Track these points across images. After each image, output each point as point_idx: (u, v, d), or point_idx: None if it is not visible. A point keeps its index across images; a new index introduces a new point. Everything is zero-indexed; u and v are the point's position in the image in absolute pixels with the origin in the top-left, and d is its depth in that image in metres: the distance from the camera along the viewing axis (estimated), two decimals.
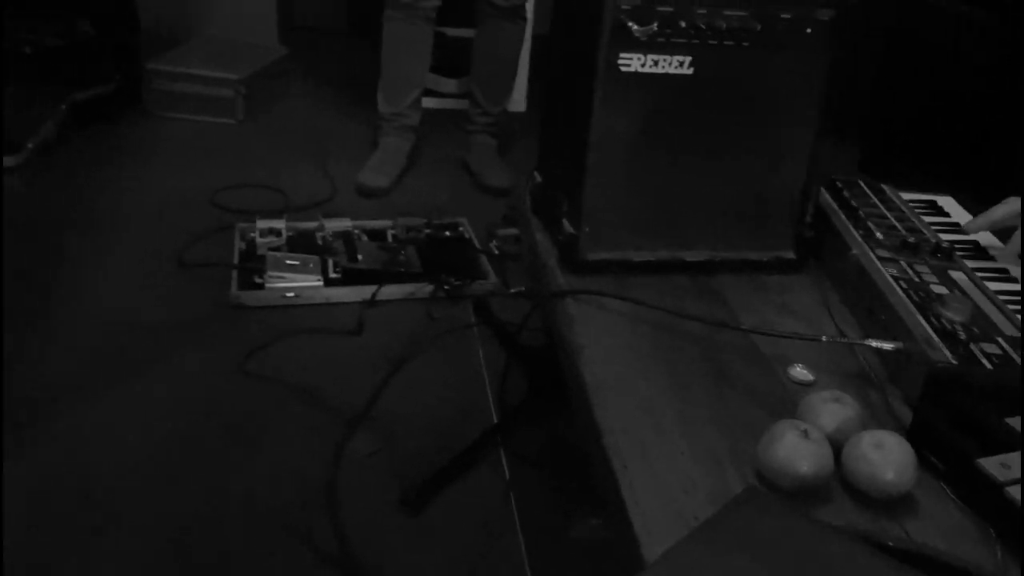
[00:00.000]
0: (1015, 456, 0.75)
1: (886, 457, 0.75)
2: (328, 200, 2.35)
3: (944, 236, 1.15)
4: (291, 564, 1.26)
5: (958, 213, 1.27)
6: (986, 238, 1.20)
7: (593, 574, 1.26)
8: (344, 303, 1.89)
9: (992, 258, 1.15)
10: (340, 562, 1.26)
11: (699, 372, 0.94)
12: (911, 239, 1.11)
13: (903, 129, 2.05)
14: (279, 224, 2.09)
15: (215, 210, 2.23)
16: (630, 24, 0.99)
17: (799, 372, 0.95)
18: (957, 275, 1.04)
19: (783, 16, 1.04)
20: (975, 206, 1.25)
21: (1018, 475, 0.74)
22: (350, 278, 1.95)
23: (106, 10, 2.75)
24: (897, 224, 1.17)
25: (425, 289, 1.95)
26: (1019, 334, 0.92)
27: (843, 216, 1.18)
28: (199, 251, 2.04)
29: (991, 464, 0.75)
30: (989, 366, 0.86)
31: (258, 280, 1.90)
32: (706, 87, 1.05)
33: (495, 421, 1.57)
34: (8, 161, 2.28)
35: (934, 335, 0.90)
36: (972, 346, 0.89)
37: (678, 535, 0.70)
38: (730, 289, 1.11)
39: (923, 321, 0.92)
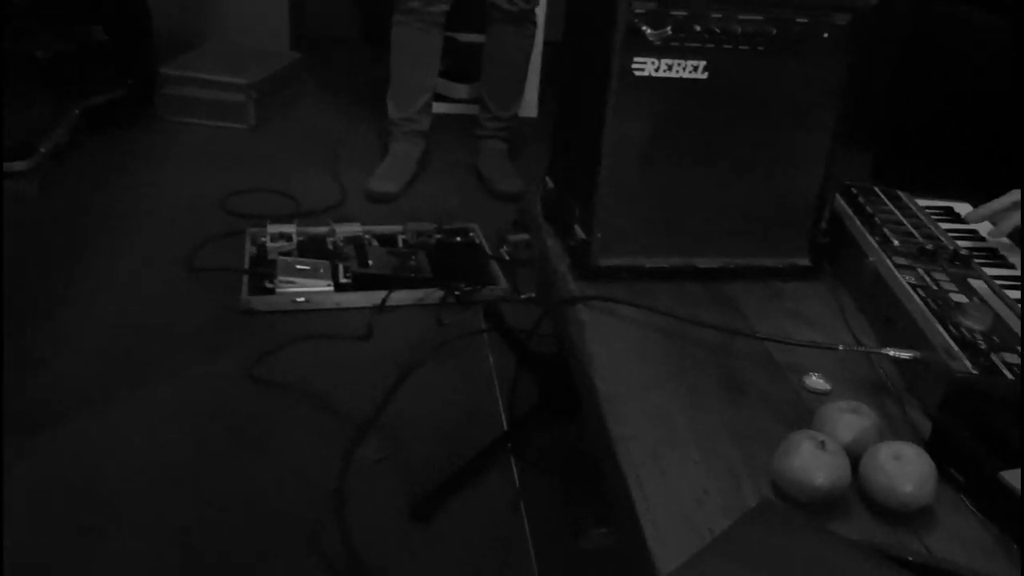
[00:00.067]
0: None
1: (905, 469, 0.73)
2: (339, 205, 2.35)
3: (962, 243, 1.13)
4: (298, 570, 1.25)
5: None
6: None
7: None
8: (354, 308, 1.89)
9: (1012, 266, 1.13)
10: (347, 569, 1.25)
11: (712, 380, 0.93)
12: (928, 246, 1.09)
13: (918, 135, 2.03)
14: (290, 229, 2.09)
15: (226, 215, 2.23)
16: (644, 28, 0.98)
17: (815, 381, 0.93)
18: (976, 283, 1.02)
19: (799, 20, 1.03)
20: None
21: None
22: (360, 283, 1.94)
23: (119, 16, 2.76)
24: (914, 231, 1.15)
25: (435, 295, 1.94)
26: None
27: (859, 223, 1.16)
28: (210, 255, 2.04)
29: (1013, 477, 0.73)
30: (1010, 376, 0.84)
31: (268, 285, 1.89)
32: (721, 92, 1.03)
33: (505, 428, 1.55)
34: (20, 165, 2.29)
35: (954, 344, 0.88)
36: (993, 356, 0.87)
37: (691, 547, 0.68)
38: (744, 296, 1.10)
39: (942, 330, 0.91)
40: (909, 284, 1.00)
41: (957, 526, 0.75)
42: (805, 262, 1.15)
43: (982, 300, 0.98)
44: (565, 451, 1.49)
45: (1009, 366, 0.85)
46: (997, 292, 1.01)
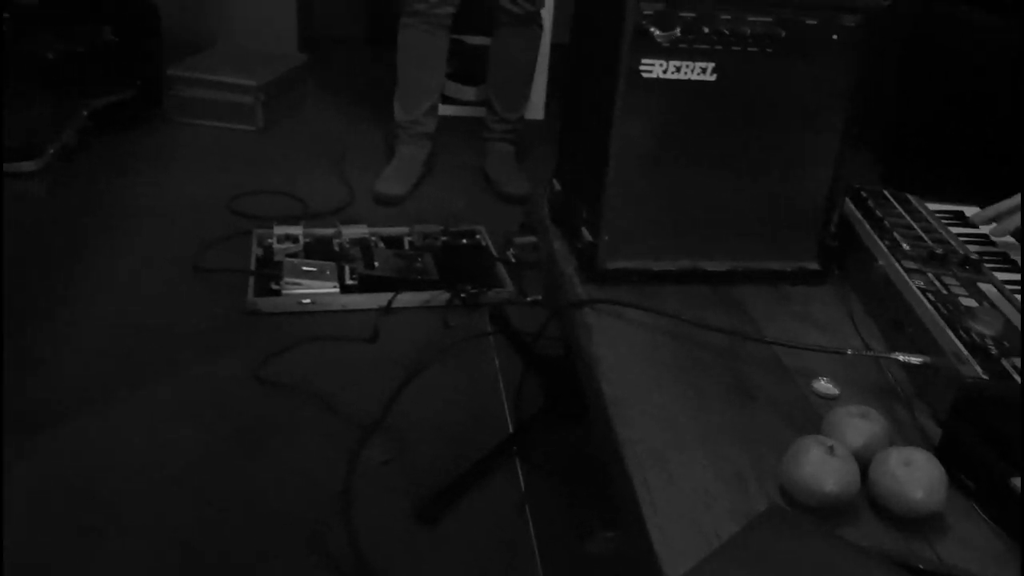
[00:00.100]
0: None
1: (915, 475, 0.73)
2: (345, 207, 2.35)
3: (972, 247, 1.12)
4: (302, 572, 1.25)
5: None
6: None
7: None
8: (360, 310, 1.88)
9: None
10: (353, 571, 1.25)
11: (720, 384, 0.92)
12: (938, 250, 1.09)
13: (926, 138, 2.02)
14: (296, 230, 2.09)
15: (233, 216, 2.23)
16: (652, 30, 0.97)
17: (823, 386, 0.92)
18: (986, 288, 1.01)
19: (809, 22, 1.02)
20: None
21: None
22: (367, 285, 1.94)
23: (129, 17, 2.77)
24: (923, 235, 1.14)
25: (441, 297, 1.93)
26: None
27: (868, 226, 1.16)
28: (216, 257, 2.04)
29: None
30: (1021, 381, 0.83)
31: (275, 286, 1.89)
32: (729, 94, 1.03)
33: (511, 431, 1.55)
34: (28, 166, 2.30)
35: (964, 349, 0.87)
36: (1003, 361, 0.86)
37: (698, 552, 0.68)
38: (752, 300, 1.09)
39: (952, 335, 0.90)
40: (919, 288, 0.99)
41: (968, 533, 0.74)
42: (814, 266, 1.14)
43: (992, 305, 0.97)
44: (571, 454, 1.48)
45: (1020, 371, 0.85)
46: (1008, 296, 1.00)
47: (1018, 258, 1.14)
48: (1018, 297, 1.00)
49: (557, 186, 1.26)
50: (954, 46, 1.89)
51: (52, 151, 2.36)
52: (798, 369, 0.95)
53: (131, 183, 2.40)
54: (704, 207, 1.09)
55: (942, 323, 0.92)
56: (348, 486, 1.39)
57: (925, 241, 1.12)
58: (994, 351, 0.87)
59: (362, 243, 2.09)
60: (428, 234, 2.16)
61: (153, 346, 1.73)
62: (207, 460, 1.44)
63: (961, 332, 0.90)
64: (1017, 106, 1.69)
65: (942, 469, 0.74)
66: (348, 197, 2.40)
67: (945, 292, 0.99)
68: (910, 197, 1.27)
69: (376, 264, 2.00)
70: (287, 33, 3.42)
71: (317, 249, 2.06)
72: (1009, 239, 1.18)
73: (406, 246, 2.13)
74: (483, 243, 2.19)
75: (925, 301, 0.97)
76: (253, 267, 1.98)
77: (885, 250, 1.09)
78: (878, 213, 1.19)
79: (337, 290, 1.91)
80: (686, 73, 1.01)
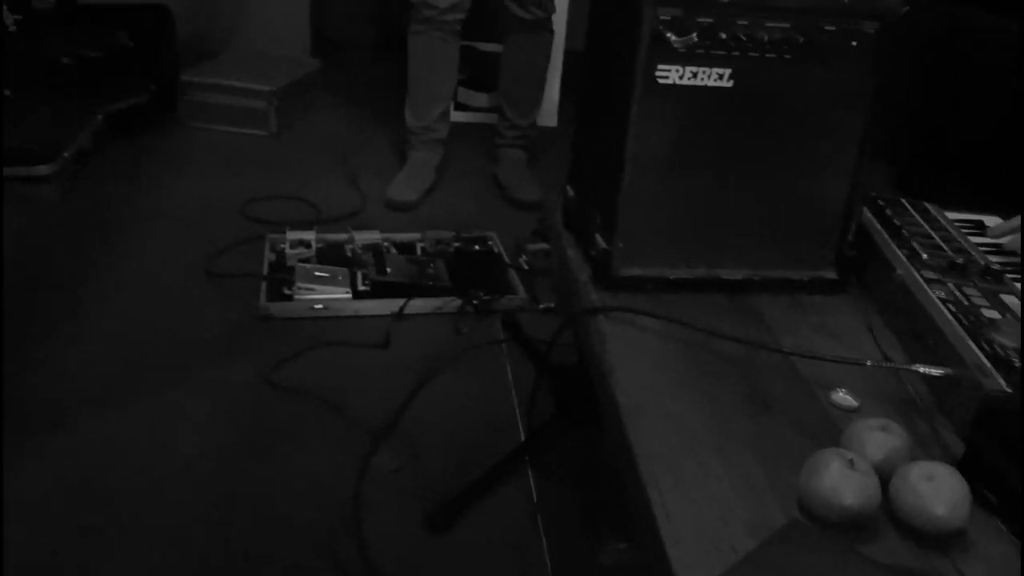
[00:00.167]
0: None
1: (937, 490, 0.71)
2: (358, 212, 2.35)
3: (993, 258, 1.10)
4: None
5: None
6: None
7: None
8: (372, 316, 1.88)
9: None
10: None
11: (737, 395, 0.91)
12: (959, 260, 1.07)
13: (942, 146, 2.00)
14: (309, 236, 2.09)
15: (246, 221, 2.24)
16: (669, 35, 0.96)
17: (842, 397, 0.91)
18: (1009, 299, 1.00)
19: (827, 28, 1.01)
20: None
21: None
22: (379, 291, 1.94)
23: (144, 23, 2.79)
24: (943, 244, 1.13)
25: (453, 303, 1.93)
26: None
27: (886, 235, 1.14)
28: (228, 261, 2.04)
29: None
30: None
31: (287, 291, 1.89)
32: (746, 100, 1.02)
33: (522, 439, 1.54)
34: (43, 169, 2.30)
35: (986, 361, 0.85)
36: None
37: (715, 566, 0.66)
38: (769, 309, 1.08)
39: (974, 347, 0.88)
40: (939, 299, 0.98)
41: (991, 551, 0.72)
42: (832, 275, 1.13)
43: (1015, 316, 0.96)
44: (584, 463, 1.47)
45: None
46: None
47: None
48: None
49: (571, 192, 1.25)
50: (971, 53, 1.87)
51: (67, 155, 2.37)
52: (816, 380, 0.94)
53: (145, 187, 2.41)
54: (720, 215, 1.08)
55: (964, 335, 0.90)
56: (358, 492, 1.38)
57: (945, 251, 1.11)
58: (1017, 363, 0.86)
59: (374, 249, 2.09)
60: (440, 240, 2.16)
61: (165, 350, 1.72)
62: (217, 464, 1.44)
63: (983, 344, 0.88)
64: None
65: (965, 484, 0.72)
66: (360, 203, 2.40)
67: (966, 303, 0.98)
68: (928, 206, 1.25)
69: (388, 270, 2.00)
70: (300, 38, 3.43)
71: (329, 254, 2.06)
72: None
73: (418, 252, 2.13)
74: (495, 249, 2.18)
75: (946, 312, 0.95)
76: (265, 272, 1.98)
77: (904, 260, 1.08)
78: (896, 222, 1.17)
79: (349, 296, 1.90)
80: (703, 79, 1.00)
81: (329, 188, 2.47)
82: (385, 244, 2.12)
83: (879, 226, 1.16)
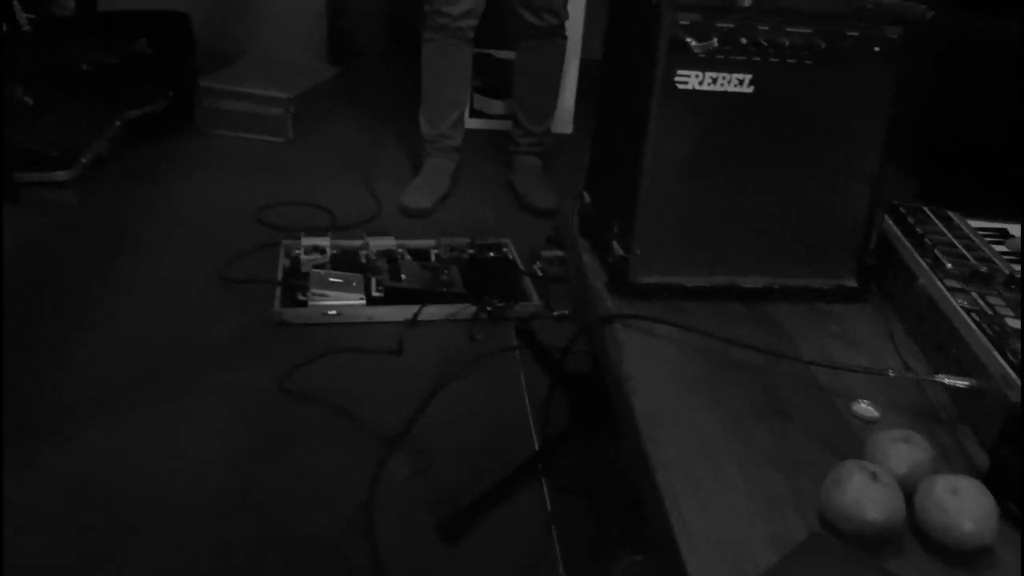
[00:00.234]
0: None
1: (963, 505, 0.69)
2: (373, 219, 2.35)
3: (1017, 267, 1.08)
4: None
5: None
6: None
7: None
8: (386, 322, 1.87)
9: None
10: None
11: (756, 405, 0.89)
12: (982, 269, 1.05)
13: (962, 153, 1.98)
14: (323, 242, 2.09)
15: (261, 227, 2.24)
16: (689, 40, 0.95)
17: (863, 408, 0.89)
18: None
19: (849, 33, 0.99)
20: None
21: None
22: (392, 297, 1.93)
23: (163, 30, 2.80)
24: (966, 253, 1.11)
25: (467, 310, 1.92)
26: None
27: (908, 243, 1.12)
28: (244, 267, 2.04)
29: None
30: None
31: (301, 297, 1.89)
32: (767, 106, 1.01)
33: (536, 447, 1.52)
34: (61, 175, 2.32)
35: (1012, 372, 0.84)
36: None
37: None
38: (788, 318, 1.06)
39: (999, 357, 0.86)
40: (963, 308, 0.96)
41: (1018, 566, 0.70)
42: (852, 283, 1.11)
43: None
44: (598, 473, 1.45)
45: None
46: None
47: None
48: None
49: (587, 199, 1.24)
50: (992, 60, 1.85)
51: (85, 160, 2.39)
52: (836, 390, 0.92)
53: (161, 193, 2.42)
54: (739, 222, 1.06)
55: (988, 345, 0.88)
56: (370, 499, 1.37)
57: (968, 259, 1.09)
58: None
59: (388, 255, 2.09)
60: (455, 247, 2.15)
61: (179, 354, 1.73)
62: (230, 469, 1.43)
63: (1008, 354, 0.86)
64: None
65: (992, 498, 0.70)
66: (375, 209, 2.40)
67: (990, 312, 0.96)
68: (951, 214, 1.23)
69: (402, 276, 1.99)
70: (317, 45, 3.45)
71: (344, 260, 2.05)
72: None
73: (432, 258, 2.12)
74: (510, 256, 2.17)
75: (970, 322, 0.93)
76: (280, 278, 1.98)
77: (926, 268, 1.06)
78: (918, 230, 1.15)
79: (363, 302, 1.90)
80: (723, 84, 0.99)
81: (344, 194, 2.47)
82: (399, 250, 2.12)
83: (900, 234, 1.15)
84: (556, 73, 2.52)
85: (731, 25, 0.96)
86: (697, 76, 0.98)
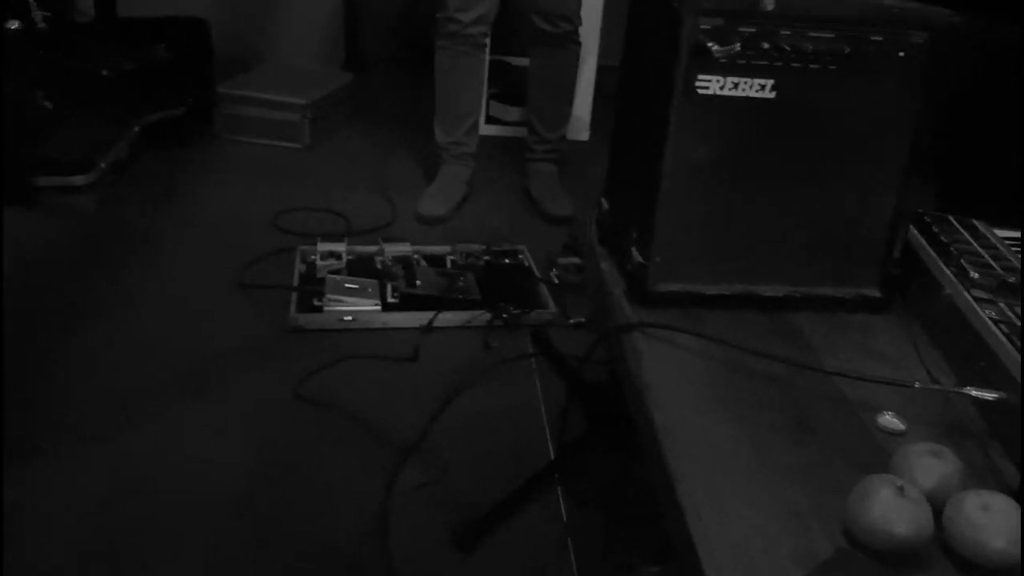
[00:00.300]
0: None
1: (995, 522, 0.67)
2: (388, 225, 2.34)
3: None
4: None
5: None
6: None
7: None
8: (401, 329, 1.87)
9: None
10: None
11: (778, 416, 0.87)
12: (1010, 279, 1.03)
13: (985, 162, 1.94)
14: (340, 247, 2.09)
15: (277, 232, 2.24)
16: (710, 44, 0.94)
17: (888, 420, 0.87)
18: None
19: (874, 39, 0.98)
20: None
21: None
22: (408, 303, 1.92)
23: (182, 37, 2.82)
24: (993, 263, 1.08)
25: (483, 317, 1.91)
26: None
27: (933, 253, 1.10)
28: (260, 272, 2.04)
29: None
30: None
31: (317, 303, 1.89)
32: (789, 112, 0.99)
33: (552, 456, 1.51)
34: (79, 180, 2.34)
35: None
36: None
37: None
38: (809, 328, 1.04)
39: None
40: (991, 319, 0.94)
41: None
42: (875, 293, 1.09)
43: None
44: (615, 483, 1.44)
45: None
46: None
47: None
48: None
49: (606, 206, 1.23)
50: (1011, 65, 1.82)
51: (103, 165, 2.41)
52: (860, 402, 0.90)
53: (179, 198, 2.43)
54: (760, 229, 1.05)
55: (1018, 357, 0.86)
56: (385, 507, 1.36)
57: (995, 269, 1.06)
58: None
59: (404, 261, 2.08)
60: (470, 253, 2.14)
61: (195, 360, 1.72)
62: (244, 476, 1.43)
63: None
64: None
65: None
66: (391, 215, 2.40)
67: (1019, 324, 0.93)
68: (976, 223, 1.21)
69: (418, 282, 1.98)
70: (334, 52, 3.46)
71: (360, 266, 2.05)
72: None
73: (448, 265, 2.12)
74: (525, 263, 2.16)
75: (998, 333, 0.91)
76: (296, 283, 1.98)
77: (952, 278, 1.04)
78: (944, 239, 1.13)
79: (379, 308, 1.89)
80: (744, 90, 0.97)
81: (360, 200, 2.47)
82: (415, 257, 2.11)
83: (925, 243, 1.12)
84: (570, 79, 2.51)
85: (753, 30, 0.95)
86: (718, 81, 0.96)
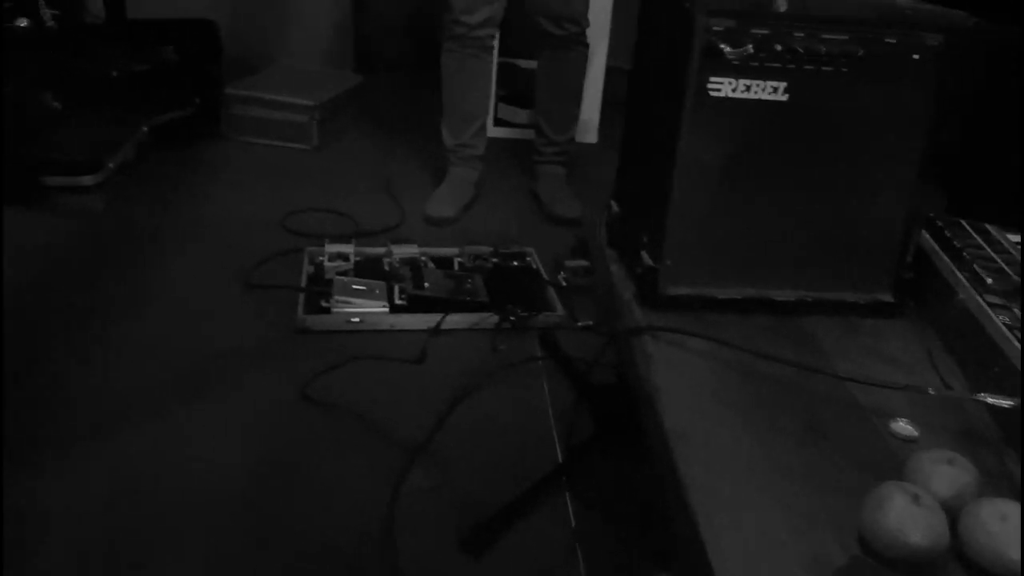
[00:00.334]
0: None
1: (1012, 531, 0.66)
2: (396, 226, 2.34)
3: None
4: None
5: None
6: None
7: None
8: (408, 330, 1.86)
9: None
10: None
11: (790, 421, 0.87)
12: None
13: (998, 166, 1.93)
14: (347, 249, 2.08)
15: (285, 233, 2.24)
16: (722, 46, 0.93)
17: (902, 427, 0.86)
18: None
19: (887, 41, 0.97)
20: None
21: None
22: (416, 305, 1.92)
23: (191, 38, 2.83)
24: (1006, 267, 1.08)
25: (490, 319, 1.90)
26: None
27: (946, 257, 1.09)
28: (268, 273, 2.04)
29: None
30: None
31: (324, 304, 1.88)
32: (801, 115, 0.98)
33: (560, 460, 1.50)
34: (87, 180, 2.34)
35: None
36: None
37: None
38: (821, 332, 1.04)
39: None
40: (1005, 324, 0.93)
41: None
42: (887, 298, 1.08)
43: None
44: (624, 488, 1.43)
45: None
46: None
47: None
48: None
49: (615, 208, 1.22)
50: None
51: (111, 166, 2.41)
52: (873, 408, 0.89)
53: (187, 199, 2.43)
54: (772, 233, 1.04)
55: None
56: (391, 510, 1.36)
57: (1008, 274, 1.06)
58: None
59: (412, 263, 2.08)
60: (478, 255, 2.14)
61: (202, 360, 1.72)
62: (250, 477, 1.42)
63: None
64: None
65: None
66: (399, 217, 2.40)
67: None
68: (989, 227, 1.20)
69: (426, 284, 1.98)
70: (343, 54, 3.46)
71: (367, 268, 2.05)
72: None
73: (456, 267, 2.11)
74: (533, 266, 2.16)
75: (1012, 339, 0.90)
76: (304, 284, 1.98)
77: (965, 283, 1.03)
78: (956, 244, 1.12)
79: (386, 309, 1.89)
80: (756, 92, 0.97)
81: (368, 202, 2.47)
82: (423, 258, 2.11)
83: (938, 248, 1.12)
84: (578, 82, 2.51)
85: (766, 31, 0.94)
86: (730, 83, 0.96)
